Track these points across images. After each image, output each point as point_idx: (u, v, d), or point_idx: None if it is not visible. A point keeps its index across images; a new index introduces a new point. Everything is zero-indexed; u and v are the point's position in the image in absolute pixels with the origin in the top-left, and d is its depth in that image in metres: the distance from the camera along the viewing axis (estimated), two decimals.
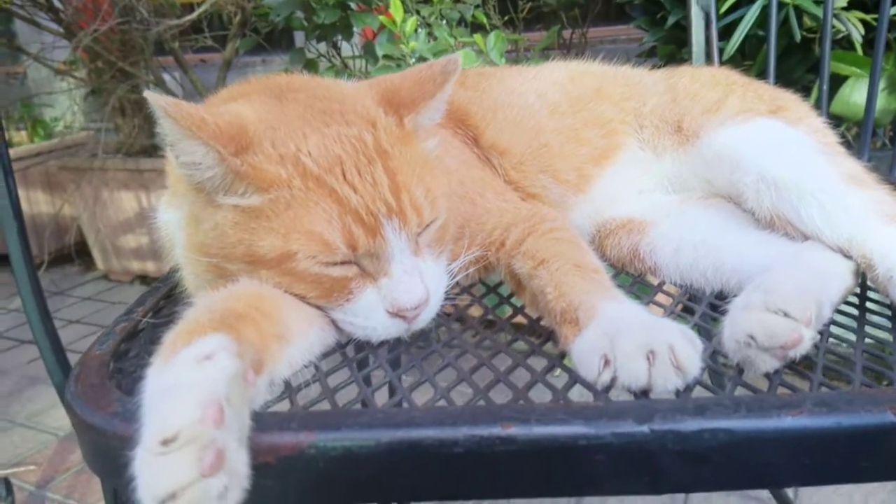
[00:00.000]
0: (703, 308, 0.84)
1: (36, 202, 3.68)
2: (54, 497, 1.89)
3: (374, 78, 0.85)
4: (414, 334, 0.77)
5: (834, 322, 0.77)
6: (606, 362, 0.64)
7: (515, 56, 2.58)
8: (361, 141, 0.73)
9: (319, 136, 0.72)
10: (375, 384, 0.73)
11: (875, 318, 0.80)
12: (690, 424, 0.55)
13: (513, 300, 0.90)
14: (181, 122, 0.65)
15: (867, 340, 0.75)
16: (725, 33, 1.83)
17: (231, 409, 0.54)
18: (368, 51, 1.95)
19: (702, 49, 1.50)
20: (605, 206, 1.05)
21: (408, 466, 0.58)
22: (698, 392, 0.63)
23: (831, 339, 0.74)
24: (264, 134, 0.71)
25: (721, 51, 1.70)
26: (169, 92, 3.12)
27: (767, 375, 0.67)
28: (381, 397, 0.72)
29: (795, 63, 2.00)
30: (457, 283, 0.85)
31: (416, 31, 1.79)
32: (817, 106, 1.33)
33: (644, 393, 0.62)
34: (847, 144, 1.09)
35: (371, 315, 0.74)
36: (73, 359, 0.95)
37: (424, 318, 0.76)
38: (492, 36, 1.84)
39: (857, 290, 0.84)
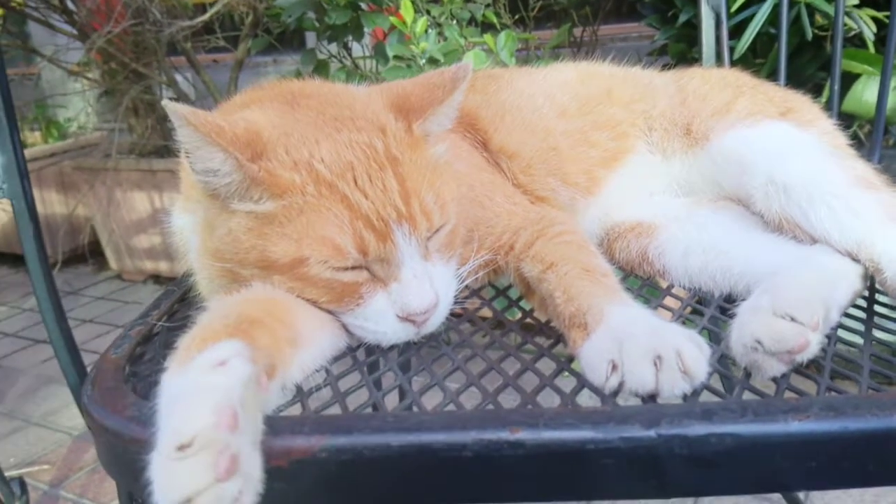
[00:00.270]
0: (711, 311, 0.84)
1: (50, 202, 3.71)
2: (68, 496, 1.91)
3: (384, 83, 0.86)
4: (424, 335, 0.78)
5: (842, 325, 0.77)
6: (614, 367, 0.64)
7: (526, 55, 2.57)
8: (372, 147, 0.73)
9: (331, 142, 0.73)
10: (386, 387, 0.74)
11: (883, 322, 0.80)
12: (697, 429, 0.56)
13: (522, 303, 0.90)
14: (200, 130, 0.66)
15: (875, 344, 0.75)
16: (736, 32, 1.82)
17: (245, 414, 0.55)
18: (379, 51, 1.96)
19: (712, 48, 1.50)
20: (614, 210, 1.05)
21: (417, 470, 0.59)
22: (706, 396, 0.63)
23: (839, 343, 0.74)
24: (278, 140, 0.72)
25: (732, 49, 1.70)
26: (181, 92, 3.14)
27: (774, 379, 0.67)
28: (391, 400, 0.73)
29: (807, 61, 1.99)
30: (466, 287, 0.86)
31: (426, 31, 1.80)
32: (829, 104, 1.33)
33: (651, 397, 0.63)
34: (859, 142, 1.09)
35: (381, 319, 0.74)
36: (87, 358, 0.97)
37: (434, 323, 0.76)
38: (502, 35, 1.84)
39: (866, 294, 0.84)
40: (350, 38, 2.09)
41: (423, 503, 0.63)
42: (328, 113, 0.76)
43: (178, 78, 3.24)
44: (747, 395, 0.63)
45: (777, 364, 0.66)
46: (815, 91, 1.60)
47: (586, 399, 0.65)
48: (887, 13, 1.56)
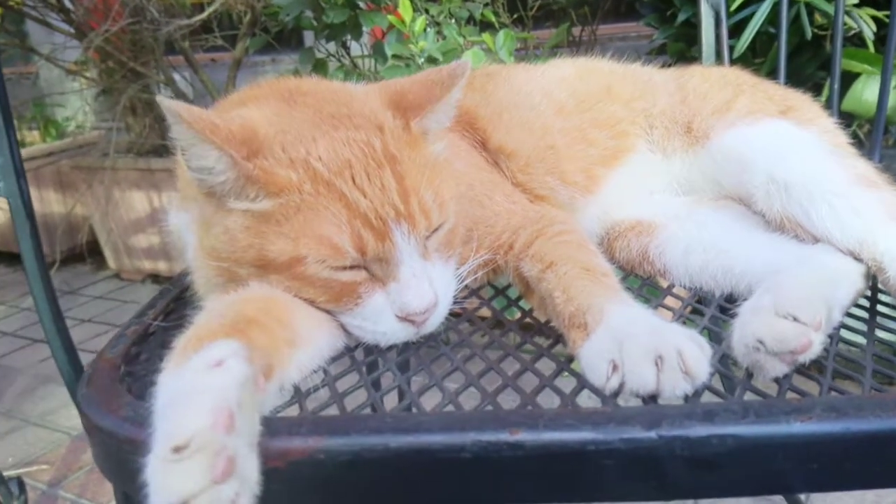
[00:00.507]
0: (712, 311, 0.83)
1: (48, 201, 3.71)
2: (67, 496, 1.90)
3: (382, 81, 0.85)
4: (423, 336, 0.77)
5: (844, 325, 0.77)
6: (614, 368, 0.64)
7: (525, 54, 2.57)
8: (370, 145, 0.73)
9: (329, 140, 0.72)
10: (384, 387, 0.74)
11: (886, 322, 0.79)
12: (698, 430, 0.55)
13: (521, 303, 0.90)
14: (195, 127, 0.66)
15: (877, 344, 0.75)
16: (736, 31, 1.82)
17: (242, 415, 0.54)
18: (377, 50, 1.95)
19: (712, 47, 1.49)
20: (614, 208, 1.05)
21: (416, 472, 0.58)
22: (707, 397, 0.63)
23: (841, 343, 0.74)
24: (275, 138, 0.71)
25: (731, 48, 1.69)
26: (179, 91, 3.14)
27: (776, 380, 0.66)
28: (389, 400, 0.72)
29: (806, 60, 1.98)
30: (465, 286, 0.85)
31: (425, 30, 1.79)
32: (829, 103, 1.32)
33: (652, 398, 0.62)
34: (859, 142, 1.08)
35: (380, 319, 0.74)
36: (84, 358, 0.96)
37: (433, 323, 0.76)
38: (501, 34, 1.83)
39: (868, 293, 0.84)
40: (348, 36, 2.09)
41: None
42: (325, 111, 0.75)
43: (176, 77, 3.23)
44: (749, 396, 0.63)
45: (779, 364, 0.65)
46: (815, 90, 1.60)
47: (586, 400, 0.64)
48: (887, 12, 1.55)
